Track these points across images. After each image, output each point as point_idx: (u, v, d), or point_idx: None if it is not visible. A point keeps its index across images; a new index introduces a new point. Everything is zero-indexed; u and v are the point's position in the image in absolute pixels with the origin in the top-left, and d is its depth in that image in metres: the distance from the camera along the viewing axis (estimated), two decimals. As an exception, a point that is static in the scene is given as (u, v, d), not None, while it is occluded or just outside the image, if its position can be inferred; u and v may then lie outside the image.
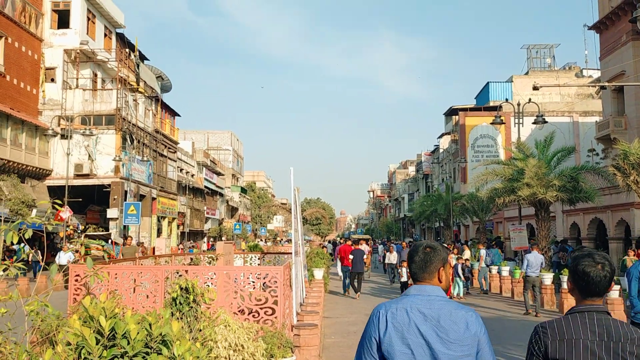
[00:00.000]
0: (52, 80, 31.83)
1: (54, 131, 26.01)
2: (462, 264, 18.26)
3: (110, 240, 25.97)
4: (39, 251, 23.01)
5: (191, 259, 13.77)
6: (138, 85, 35.97)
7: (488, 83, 47.66)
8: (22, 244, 21.35)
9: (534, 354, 2.48)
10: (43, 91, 31.35)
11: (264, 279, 7.89)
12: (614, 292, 12.37)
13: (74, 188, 29.09)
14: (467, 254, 20.25)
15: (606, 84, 25.27)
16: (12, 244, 3.69)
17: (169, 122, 43.31)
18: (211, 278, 7.88)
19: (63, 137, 29.07)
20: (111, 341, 3.10)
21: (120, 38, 37.82)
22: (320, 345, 8.59)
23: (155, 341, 3.17)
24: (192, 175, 48.90)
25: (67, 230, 25.09)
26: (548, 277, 15.39)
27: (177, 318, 5.15)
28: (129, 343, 3.07)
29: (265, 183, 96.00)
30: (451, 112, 51.52)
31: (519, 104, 22.76)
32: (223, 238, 49.57)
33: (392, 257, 22.92)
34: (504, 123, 32.76)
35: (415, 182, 73.46)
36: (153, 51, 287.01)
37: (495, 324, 12.39)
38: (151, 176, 36.18)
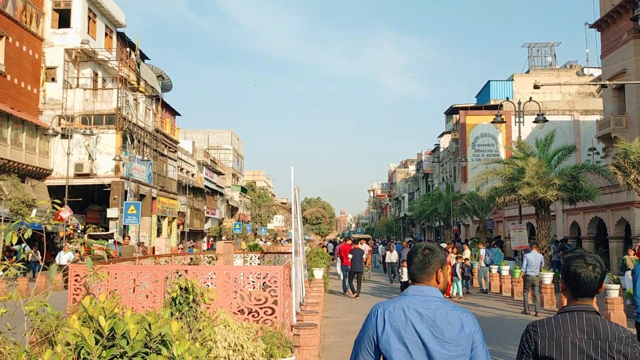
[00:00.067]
0: (53, 79, 31.83)
1: (54, 131, 26.02)
2: (462, 263, 18.26)
3: (113, 240, 26.00)
4: (38, 251, 23.02)
5: (191, 258, 13.77)
6: (138, 84, 35.98)
7: (489, 82, 47.63)
8: (23, 244, 21.37)
9: (524, 352, 2.56)
10: (44, 91, 31.35)
11: (263, 278, 7.89)
12: (614, 292, 12.34)
13: (74, 188, 29.10)
14: (467, 253, 20.25)
15: (607, 82, 25.23)
16: (12, 244, 3.70)
17: (170, 122, 43.32)
18: (211, 278, 7.88)
19: (63, 136, 29.08)
20: (110, 341, 3.10)
21: (121, 37, 37.82)
22: (319, 345, 8.60)
23: (155, 341, 3.17)
24: (192, 175, 48.90)
25: (67, 230, 25.10)
26: (548, 277, 15.40)
27: (177, 318, 5.15)
28: (128, 343, 3.08)
29: (265, 182, 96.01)
30: (452, 111, 51.50)
31: (519, 103, 22.75)
32: (223, 238, 49.59)
33: (393, 256, 22.93)
34: (505, 122, 32.75)
35: (416, 181, 73.45)
36: (153, 51, 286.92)
37: (494, 323, 12.39)
38: (151, 176, 36.19)
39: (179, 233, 43.60)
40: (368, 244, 28.79)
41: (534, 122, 21.79)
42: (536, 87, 21.10)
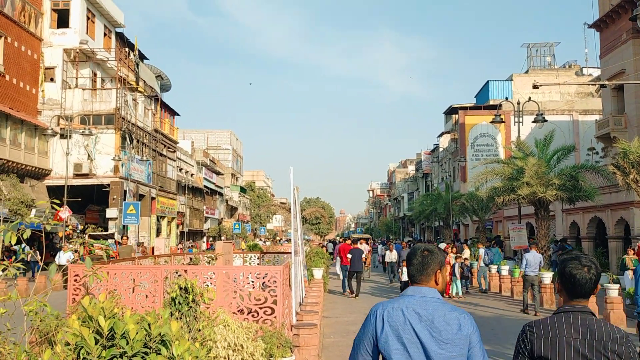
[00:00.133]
0: (52, 79, 31.81)
1: (53, 131, 25.99)
2: (461, 263, 18.27)
3: (114, 240, 25.99)
4: (37, 251, 23.00)
5: (190, 258, 13.76)
6: (137, 84, 35.95)
7: (488, 82, 47.65)
8: (22, 245, 21.36)
9: (520, 352, 2.60)
10: (42, 91, 31.32)
11: (263, 278, 7.89)
12: (613, 291, 12.34)
13: (73, 188, 29.07)
14: (466, 253, 20.26)
15: (606, 82, 25.23)
16: (11, 245, 3.69)
17: (169, 122, 43.30)
18: (210, 278, 7.88)
19: (62, 136, 29.05)
20: (110, 341, 3.10)
21: (120, 37, 37.79)
22: (319, 344, 8.59)
23: (154, 341, 3.17)
24: (192, 175, 48.88)
25: (66, 230, 25.09)
26: (547, 276, 15.41)
27: (176, 318, 5.14)
28: (127, 343, 3.07)
29: (264, 182, 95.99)
30: (451, 111, 51.52)
31: (518, 103, 22.76)
32: (222, 238, 49.57)
33: (392, 256, 22.94)
34: (504, 122, 32.74)
35: (415, 181, 73.46)
36: (153, 51, 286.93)
37: (494, 323, 12.40)
38: (150, 176, 36.17)
39: (178, 233, 43.58)
40: (368, 244, 28.77)
41: (533, 122, 21.79)
42: (535, 87, 21.10)
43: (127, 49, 37.57)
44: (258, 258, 15.65)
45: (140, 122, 34.93)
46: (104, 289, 7.16)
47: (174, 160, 43.13)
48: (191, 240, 45.81)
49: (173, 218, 41.69)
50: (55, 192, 28.71)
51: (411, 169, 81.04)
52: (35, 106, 30.85)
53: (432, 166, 61.14)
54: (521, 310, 14.41)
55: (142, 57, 39.41)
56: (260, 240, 51.54)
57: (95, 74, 34.43)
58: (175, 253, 25.33)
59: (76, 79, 32.62)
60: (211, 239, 50.28)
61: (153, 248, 33.29)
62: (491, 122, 26.16)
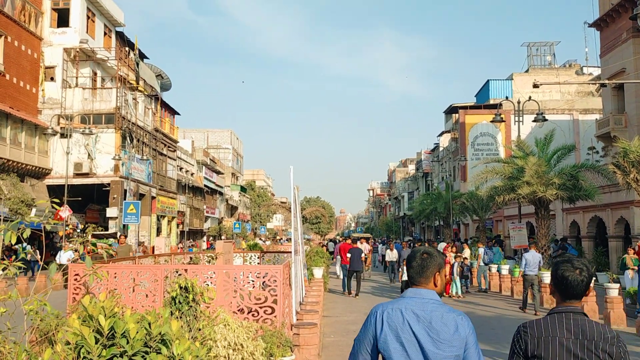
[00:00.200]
0: (52, 79, 31.81)
1: (53, 130, 25.99)
2: (461, 262, 18.26)
3: (117, 239, 25.98)
4: (37, 250, 23.01)
5: (190, 258, 13.77)
6: (138, 84, 35.95)
7: (488, 81, 47.62)
8: (25, 244, 21.37)
9: (515, 352, 2.69)
10: (42, 90, 31.32)
11: (263, 278, 7.89)
12: (613, 291, 12.33)
13: (74, 187, 29.08)
14: (466, 252, 20.25)
15: (606, 81, 25.23)
16: (12, 244, 3.69)
17: (169, 121, 43.30)
18: (211, 277, 7.88)
19: (62, 136, 29.05)
20: (110, 340, 3.10)
21: (120, 37, 37.79)
22: (319, 344, 8.60)
23: (155, 340, 3.17)
24: (192, 174, 48.89)
25: (66, 230, 25.09)
26: (547, 276, 15.40)
27: (177, 317, 5.15)
28: (128, 342, 3.07)
29: (264, 182, 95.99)
30: (451, 110, 51.50)
31: (519, 102, 22.75)
32: (222, 237, 49.57)
33: (392, 255, 22.94)
34: (504, 121, 32.73)
35: (415, 180, 73.46)
36: (153, 50, 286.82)
37: (494, 322, 12.40)
38: (151, 175, 36.17)
39: (179, 232, 43.60)
40: (368, 243, 28.74)
41: (534, 121, 21.79)
42: (535, 86, 21.10)
43: (127, 48, 37.56)
44: (258, 257, 15.65)
45: (140, 121, 34.93)
46: (104, 288, 7.17)
47: (174, 160, 43.13)
48: (191, 240, 45.81)
49: (173, 217, 41.70)
50: (55, 191, 28.71)
51: (411, 168, 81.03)
52: (35, 105, 30.85)
53: (432, 165, 61.13)
54: (519, 307, 14.48)
55: (142, 56, 39.41)
56: (260, 239, 51.55)
57: (95, 73, 34.43)
58: (175, 252, 25.34)
59: (76, 78, 32.62)
60: (211, 238, 50.28)
61: (153, 247, 33.30)
62: (491, 122, 26.16)
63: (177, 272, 7.53)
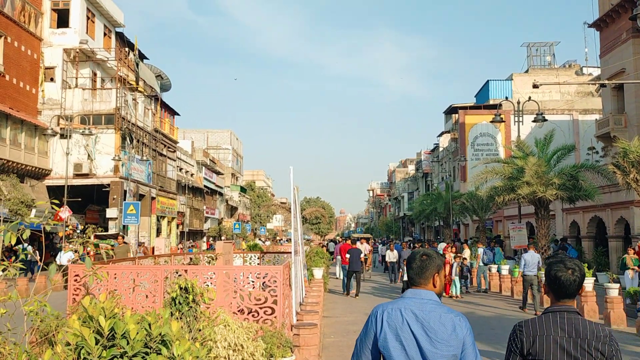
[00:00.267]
0: (52, 79, 31.80)
1: (53, 131, 25.99)
2: (460, 262, 18.25)
3: (124, 240, 25.99)
4: (37, 251, 23.00)
5: (190, 258, 13.77)
6: (137, 84, 35.94)
7: (488, 81, 47.63)
8: (26, 244, 21.37)
9: (512, 351, 2.78)
10: (42, 90, 31.32)
11: (263, 278, 7.88)
12: (614, 291, 12.33)
13: (73, 188, 29.07)
14: (466, 253, 20.25)
15: (606, 81, 25.24)
16: (12, 245, 3.69)
17: (169, 121, 43.30)
18: (211, 278, 7.88)
19: (62, 136, 29.05)
20: (110, 341, 3.10)
21: (120, 37, 37.78)
22: (319, 344, 8.59)
23: (155, 341, 3.17)
24: (192, 175, 48.88)
25: (66, 230, 25.09)
26: (548, 276, 15.39)
27: (177, 318, 5.14)
28: (128, 343, 3.07)
29: (264, 182, 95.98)
30: (451, 111, 51.50)
31: (518, 102, 22.75)
32: (222, 237, 49.57)
33: (393, 256, 22.93)
34: (504, 121, 32.71)
35: (415, 180, 73.46)
36: (152, 50, 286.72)
37: (494, 322, 12.40)
38: (150, 176, 36.16)
39: (179, 233, 43.58)
40: (368, 244, 28.71)
41: (533, 121, 21.78)
42: (535, 86, 21.11)
43: (127, 49, 37.56)
44: (258, 258, 15.65)
45: (140, 122, 34.93)
46: (104, 289, 7.16)
47: (174, 160, 43.13)
48: (191, 240, 45.80)
49: (173, 218, 41.69)
50: (55, 192, 28.70)
51: (411, 168, 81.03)
52: (35, 106, 30.84)
53: (432, 166, 61.14)
54: (519, 307, 14.52)
55: (142, 56, 39.40)
56: (260, 240, 51.55)
57: (95, 74, 34.43)
58: (175, 253, 25.32)
59: (76, 78, 32.61)
60: (211, 238, 50.27)
61: (153, 248, 33.28)
62: (491, 122, 26.16)
63: (177, 272, 7.53)
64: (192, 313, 5.31)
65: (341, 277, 20.82)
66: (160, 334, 3.19)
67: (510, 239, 22.88)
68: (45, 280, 17.38)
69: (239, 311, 7.21)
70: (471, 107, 46.86)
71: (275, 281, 7.47)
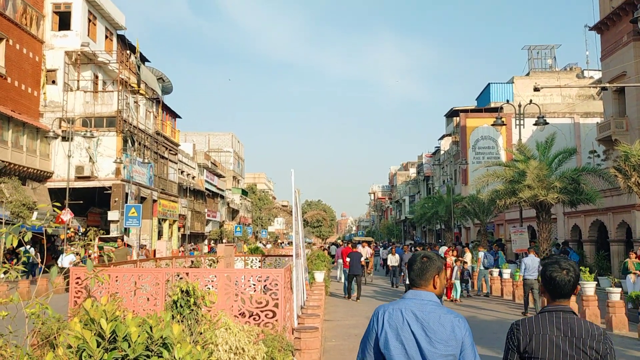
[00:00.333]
0: (53, 82, 31.86)
1: (55, 133, 26.03)
2: (461, 266, 18.22)
3: (124, 243, 26.01)
4: (38, 254, 23.00)
5: (192, 261, 13.76)
6: (139, 87, 36.00)
7: (489, 84, 47.65)
8: (28, 247, 21.36)
9: (509, 349, 2.86)
10: (44, 93, 31.38)
11: (264, 281, 7.87)
12: (615, 295, 12.29)
13: (75, 190, 29.10)
14: (467, 257, 20.21)
15: (607, 85, 25.24)
16: (14, 248, 3.69)
17: (170, 124, 43.35)
18: (212, 281, 7.87)
19: (64, 139, 29.11)
20: (112, 344, 3.09)
21: (121, 40, 37.86)
22: (321, 348, 8.58)
23: (156, 344, 3.17)
24: (193, 177, 48.91)
25: (68, 233, 25.11)
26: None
27: (178, 321, 5.14)
28: (129, 346, 3.07)
29: (266, 185, 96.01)
30: (452, 114, 51.50)
31: (519, 105, 22.76)
32: (224, 240, 49.57)
33: (394, 260, 22.91)
34: (505, 124, 32.73)
35: (416, 184, 73.43)
36: (154, 53, 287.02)
37: (496, 326, 12.37)
38: (152, 178, 36.19)
39: (180, 236, 43.59)
40: (370, 247, 28.66)
41: (535, 124, 21.79)
42: (536, 89, 21.08)
43: (128, 52, 37.63)
44: (259, 261, 15.63)
45: (141, 124, 34.97)
46: (106, 292, 7.17)
47: (176, 163, 43.16)
48: (192, 243, 45.79)
49: (174, 221, 41.71)
50: (57, 194, 28.73)
51: (412, 171, 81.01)
52: (37, 109, 30.90)
53: (434, 169, 61.12)
54: (522, 313, 14.50)
55: (143, 59, 39.48)
56: (261, 243, 51.52)
57: (96, 77, 34.49)
58: (176, 256, 25.31)
59: (78, 81, 32.68)
60: (212, 241, 50.26)
61: (154, 251, 33.28)
62: (492, 125, 26.16)
63: (178, 275, 7.53)
64: (194, 316, 5.31)
65: (343, 280, 20.82)
66: (161, 337, 3.19)
67: (511, 242, 22.85)
68: (47, 283, 17.40)
69: (240, 314, 7.20)
70: (472, 110, 46.86)
71: (277, 284, 7.46)
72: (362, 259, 18.93)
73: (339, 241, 56.61)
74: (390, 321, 2.72)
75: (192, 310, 5.32)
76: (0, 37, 27.51)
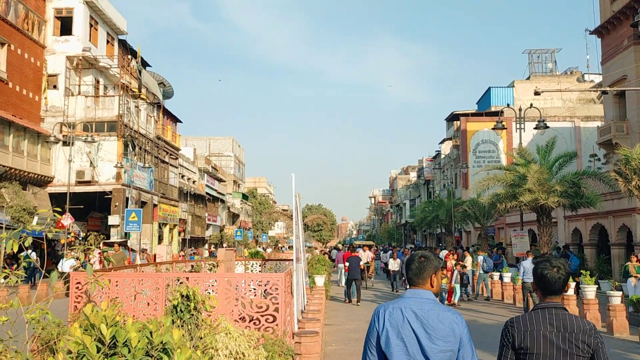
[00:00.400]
0: (55, 87, 31.92)
1: (55, 138, 26.06)
2: (460, 270, 18.18)
3: (128, 247, 26.04)
4: (38, 259, 23.01)
5: (192, 266, 13.76)
6: (140, 91, 36.06)
7: (489, 88, 47.68)
8: (30, 251, 21.38)
9: (504, 345, 2.96)
10: (45, 98, 31.43)
11: (265, 286, 7.87)
12: (616, 299, 12.27)
13: (76, 195, 29.12)
14: (468, 261, 20.19)
15: (608, 88, 25.25)
16: (14, 253, 3.70)
17: (171, 129, 43.40)
18: (212, 285, 7.87)
19: (65, 144, 29.14)
20: (112, 349, 3.10)
21: (123, 45, 37.94)
22: (321, 353, 8.57)
23: (156, 349, 3.17)
24: (194, 182, 48.92)
25: (68, 238, 25.12)
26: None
27: (178, 326, 5.14)
28: (130, 351, 3.07)
29: (266, 189, 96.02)
30: (452, 118, 51.54)
31: (520, 109, 22.77)
32: (224, 245, 49.52)
33: (395, 264, 22.88)
34: (506, 128, 32.75)
35: (417, 187, 73.44)
36: (155, 57, 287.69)
37: (496, 330, 12.32)
38: (152, 183, 36.21)
39: (180, 240, 43.57)
40: (371, 251, 28.59)
41: (535, 128, 21.79)
42: (537, 93, 21.14)
43: (129, 56, 37.71)
44: (260, 265, 15.63)
45: (142, 129, 35.01)
46: (106, 297, 7.16)
47: (176, 167, 43.19)
48: (193, 248, 45.76)
49: (175, 225, 41.70)
50: (57, 199, 28.75)
51: (413, 175, 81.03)
52: (38, 113, 30.96)
53: (434, 173, 61.13)
54: None
55: (144, 64, 39.55)
56: (261, 247, 51.48)
57: (97, 81, 34.55)
58: (177, 260, 25.32)
59: (79, 86, 32.73)
60: (213, 246, 50.23)
61: (155, 255, 33.27)
62: (493, 129, 26.18)
63: (178, 280, 7.53)
64: (194, 321, 5.31)
65: (343, 284, 20.80)
66: (161, 342, 3.19)
67: (512, 246, 22.82)
68: (47, 288, 17.38)
69: (240, 319, 7.19)
70: (473, 114, 46.90)
71: (277, 289, 7.46)
72: (363, 262, 18.92)
73: (339, 245, 56.64)
74: (391, 320, 2.79)
75: (193, 314, 5.32)
76: (2, 42, 27.59)
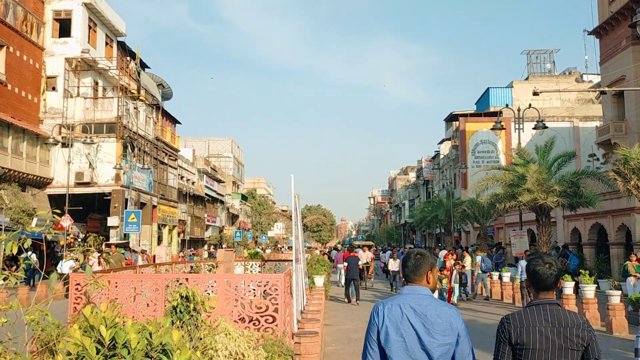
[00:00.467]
0: (53, 88, 31.91)
1: (54, 140, 26.05)
2: (459, 270, 18.19)
3: (129, 249, 26.05)
4: (38, 260, 22.99)
5: (191, 267, 13.76)
6: (139, 93, 36.05)
7: (488, 89, 47.72)
8: (30, 253, 21.36)
9: (501, 341, 3.04)
10: (44, 100, 31.42)
11: (264, 286, 7.88)
12: (615, 298, 12.29)
13: (75, 196, 29.10)
14: (467, 260, 20.20)
15: (606, 89, 25.28)
16: (14, 254, 3.70)
17: (170, 130, 43.38)
18: (212, 286, 7.87)
19: (64, 145, 29.12)
20: (112, 351, 3.10)
21: (122, 46, 37.94)
22: (320, 353, 8.57)
23: (156, 350, 3.17)
24: (193, 183, 48.91)
25: (67, 239, 25.10)
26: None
27: (178, 327, 5.14)
28: (129, 352, 3.07)
29: (265, 190, 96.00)
30: (451, 118, 51.58)
31: (519, 110, 22.79)
32: (224, 245, 49.51)
33: (395, 265, 22.86)
34: (504, 128, 32.76)
35: (416, 188, 73.44)
36: (153, 59, 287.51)
37: (495, 330, 12.35)
38: (152, 184, 36.19)
39: (180, 241, 43.55)
40: (370, 251, 28.55)
41: (534, 128, 21.81)
42: (535, 93, 21.16)
43: (128, 58, 37.70)
44: (259, 266, 15.63)
45: (141, 130, 35.00)
46: (105, 298, 7.16)
47: (175, 169, 43.18)
48: (192, 248, 45.74)
49: (174, 226, 41.68)
50: (56, 200, 28.72)
51: (412, 175, 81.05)
52: (37, 115, 30.94)
53: (433, 173, 61.15)
54: None
55: (143, 65, 39.55)
56: (260, 247, 51.47)
57: (96, 83, 34.54)
58: (176, 261, 25.32)
59: (78, 87, 32.72)
60: (212, 247, 50.21)
61: (154, 256, 33.26)
62: (492, 129, 26.19)
63: (178, 281, 7.53)
64: (193, 322, 5.31)
65: (343, 284, 20.81)
66: (161, 343, 3.19)
67: (511, 246, 22.83)
68: (46, 289, 17.36)
69: (240, 319, 7.20)
70: (472, 115, 46.93)
71: (277, 289, 7.47)
72: (362, 263, 18.92)
73: (338, 245, 56.64)
74: (390, 316, 2.85)
75: (192, 315, 5.32)
76: (0, 44, 27.58)
